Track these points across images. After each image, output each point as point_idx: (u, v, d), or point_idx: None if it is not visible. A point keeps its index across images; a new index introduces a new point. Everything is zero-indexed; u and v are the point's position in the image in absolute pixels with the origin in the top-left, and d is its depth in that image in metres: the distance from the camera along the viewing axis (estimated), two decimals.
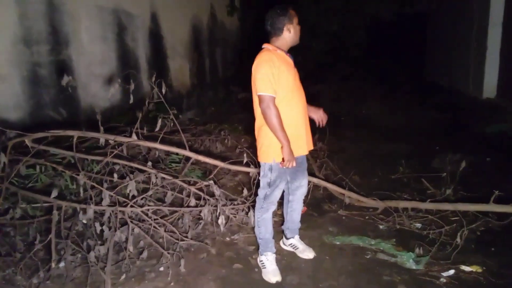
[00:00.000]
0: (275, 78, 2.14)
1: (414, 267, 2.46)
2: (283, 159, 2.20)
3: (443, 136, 5.57)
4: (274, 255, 2.48)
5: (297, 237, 2.72)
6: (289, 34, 2.25)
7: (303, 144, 2.34)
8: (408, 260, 2.52)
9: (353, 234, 2.90)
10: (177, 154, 3.71)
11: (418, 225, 3.00)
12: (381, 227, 3.02)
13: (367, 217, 3.17)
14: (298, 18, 2.28)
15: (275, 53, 2.22)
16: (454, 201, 3.29)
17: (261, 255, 2.49)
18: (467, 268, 2.44)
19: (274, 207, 2.45)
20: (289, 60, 2.28)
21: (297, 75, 2.34)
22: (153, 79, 2.82)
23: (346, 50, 10.21)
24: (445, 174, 3.64)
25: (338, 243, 2.80)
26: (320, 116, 2.53)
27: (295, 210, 2.64)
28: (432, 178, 3.74)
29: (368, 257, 2.61)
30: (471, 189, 3.55)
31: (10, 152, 2.65)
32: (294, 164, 2.22)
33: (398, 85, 9.31)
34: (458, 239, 2.63)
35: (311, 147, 2.45)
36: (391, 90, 8.81)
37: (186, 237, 2.78)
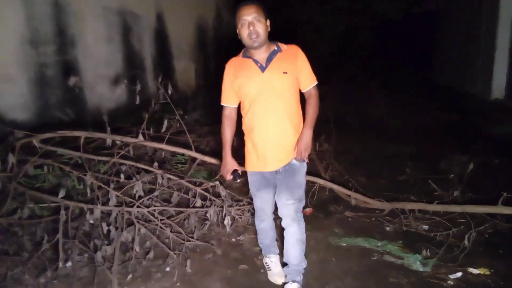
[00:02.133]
0: (231, 87, 2.06)
1: (421, 269, 2.44)
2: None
3: (450, 137, 5.52)
4: (278, 256, 2.47)
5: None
6: (241, 37, 1.99)
7: (264, 160, 2.06)
8: (415, 262, 2.50)
9: (359, 235, 2.88)
10: (183, 154, 3.72)
11: (425, 227, 2.97)
12: (387, 228, 3.00)
13: (373, 219, 3.15)
14: (241, 18, 1.93)
15: (237, 59, 2.07)
16: (462, 203, 3.26)
17: (265, 257, 2.49)
18: (474, 271, 2.41)
19: (266, 217, 2.31)
20: (254, 67, 1.98)
21: (271, 82, 1.96)
22: (159, 80, 2.83)
23: (353, 50, 10.16)
24: (452, 175, 3.61)
25: (344, 244, 2.78)
26: (298, 149, 2.04)
27: (287, 242, 2.21)
28: (439, 179, 3.71)
29: (374, 258, 2.60)
30: (479, 191, 3.51)
31: (18, 152, 2.67)
32: (226, 177, 2.15)
33: (405, 86, 9.25)
34: (466, 241, 2.60)
35: (283, 163, 2.06)
36: (398, 90, 8.76)
37: (192, 237, 2.79)
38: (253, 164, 2.13)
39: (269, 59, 1.99)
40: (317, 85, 2.10)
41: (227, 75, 2.09)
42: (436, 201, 3.14)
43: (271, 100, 1.98)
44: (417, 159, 4.49)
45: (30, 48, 3.83)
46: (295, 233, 2.14)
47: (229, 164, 2.15)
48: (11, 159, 2.52)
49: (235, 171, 2.16)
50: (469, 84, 8.04)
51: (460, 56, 8.71)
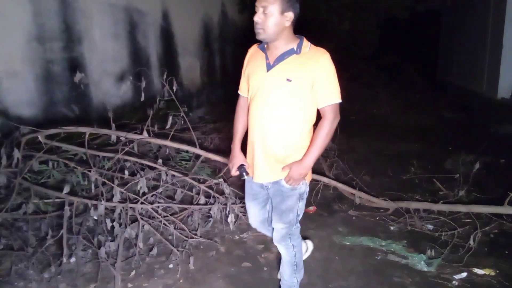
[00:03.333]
0: (244, 74, 1.89)
1: (425, 269, 2.43)
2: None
3: (456, 136, 5.48)
4: None
5: None
6: None
7: (253, 167, 1.86)
8: (419, 262, 2.49)
9: (363, 234, 2.87)
10: (187, 151, 3.72)
11: (430, 226, 2.95)
12: (392, 228, 2.98)
13: (377, 218, 3.14)
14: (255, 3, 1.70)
15: (257, 47, 1.87)
16: (467, 202, 3.23)
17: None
18: (480, 271, 2.40)
19: (259, 230, 2.20)
20: (263, 62, 1.77)
21: (269, 86, 1.73)
22: (164, 77, 2.83)
23: (358, 48, 10.10)
24: (458, 175, 3.58)
25: (348, 243, 2.77)
26: (288, 175, 1.78)
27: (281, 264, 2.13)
28: (444, 179, 3.68)
29: (378, 258, 2.58)
30: (484, 191, 3.49)
31: (23, 147, 2.69)
32: (232, 172, 1.94)
33: (410, 84, 9.19)
34: (471, 242, 2.58)
35: (267, 179, 1.84)
36: (403, 88, 8.70)
37: (195, 234, 2.79)
38: (251, 169, 1.91)
39: (280, 59, 1.71)
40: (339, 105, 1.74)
41: (245, 61, 1.90)
42: (441, 201, 3.12)
43: (263, 107, 1.75)
44: (421, 157, 4.46)
45: (37, 44, 3.84)
46: (284, 255, 2.04)
47: (237, 158, 1.92)
48: (17, 154, 2.53)
49: (242, 166, 1.91)
50: (475, 83, 7.96)
51: (466, 55, 8.63)
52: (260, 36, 1.69)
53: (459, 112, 6.74)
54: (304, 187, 1.86)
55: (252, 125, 1.82)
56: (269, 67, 1.74)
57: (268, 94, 1.73)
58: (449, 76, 9.65)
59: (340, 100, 1.73)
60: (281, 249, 2.03)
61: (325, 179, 3.25)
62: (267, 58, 1.76)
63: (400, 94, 8.22)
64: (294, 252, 2.01)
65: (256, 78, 1.78)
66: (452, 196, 3.36)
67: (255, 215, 2.08)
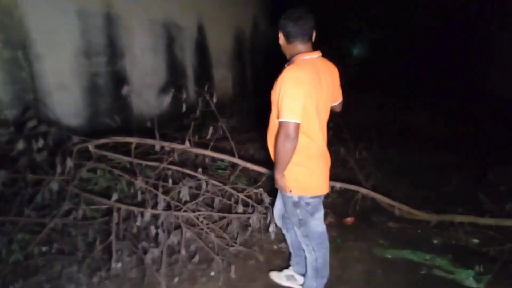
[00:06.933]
0: None
1: (474, 286, 2.34)
2: None
3: (496, 147, 5.26)
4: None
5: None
6: None
7: None
8: (467, 278, 2.40)
9: (405, 247, 2.80)
10: (222, 160, 3.78)
11: (476, 241, 2.84)
12: (435, 241, 2.90)
13: (419, 231, 3.05)
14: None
15: None
16: None
17: None
18: None
19: (279, 224, 2.42)
20: None
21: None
22: (206, 88, 2.92)
23: (391, 57, 9.96)
24: (503, 187, 3.44)
25: (389, 256, 2.71)
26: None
27: None
28: (488, 192, 3.54)
29: (423, 272, 2.51)
30: None
31: (74, 156, 2.84)
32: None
33: (446, 93, 8.93)
34: None
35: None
36: (438, 98, 8.47)
37: (235, 243, 2.82)
38: None
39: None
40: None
41: None
42: (487, 214, 3.00)
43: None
44: (462, 169, 4.31)
45: (84, 58, 4.07)
46: (306, 255, 2.17)
47: None
48: (69, 163, 2.68)
49: None
50: None
51: (503, 63, 8.31)
52: None
53: (497, 121, 6.47)
54: (296, 198, 1.96)
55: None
56: None
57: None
58: (485, 85, 9.31)
59: (287, 120, 1.74)
60: (304, 249, 2.16)
61: (364, 190, 3.20)
62: None
63: (435, 103, 8.00)
64: (315, 256, 2.11)
65: None
66: (497, 210, 3.23)
67: (276, 207, 2.31)
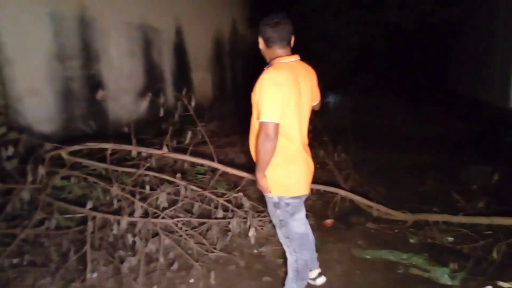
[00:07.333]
0: None
1: (449, 283, 2.40)
2: None
3: (470, 147, 5.44)
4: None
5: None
6: None
7: None
8: (442, 276, 2.46)
9: (383, 248, 2.85)
10: (202, 165, 3.75)
11: (451, 239, 2.92)
12: (411, 241, 2.96)
13: (396, 231, 3.11)
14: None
15: None
16: (487, 214, 3.19)
17: None
18: (505, 284, 2.36)
19: None
20: None
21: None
22: (184, 92, 2.89)
23: (367, 60, 10.17)
24: (475, 186, 3.55)
25: (368, 257, 2.75)
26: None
27: None
28: (461, 190, 3.64)
29: (400, 271, 2.56)
30: (503, 202, 3.44)
31: (47, 164, 2.75)
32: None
33: (421, 95, 9.18)
34: (495, 254, 2.55)
35: None
36: (414, 100, 8.70)
37: (215, 248, 2.79)
38: None
39: None
40: (272, 125, 1.76)
41: None
42: (461, 213, 3.09)
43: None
44: (436, 169, 4.43)
45: (57, 62, 3.95)
46: (287, 256, 2.16)
47: None
48: (41, 170, 2.59)
49: None
50: (486, 93, 7.93)
51: (477, 65, 8.63)
52: None
53: (471, 122, 6.70)
54: (276, 198, 1.99)
55: None
56: None
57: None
58: (459, 87, 9.63)
59: (266, 120, 1.77)
60: (285, 250, 2.16)
61: (342, 192, 3.24)
62: None
63: (411, 105, 8.22)
64: (295, 257, 2.11)
65: None
66: (470, 208, 3.33)
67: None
